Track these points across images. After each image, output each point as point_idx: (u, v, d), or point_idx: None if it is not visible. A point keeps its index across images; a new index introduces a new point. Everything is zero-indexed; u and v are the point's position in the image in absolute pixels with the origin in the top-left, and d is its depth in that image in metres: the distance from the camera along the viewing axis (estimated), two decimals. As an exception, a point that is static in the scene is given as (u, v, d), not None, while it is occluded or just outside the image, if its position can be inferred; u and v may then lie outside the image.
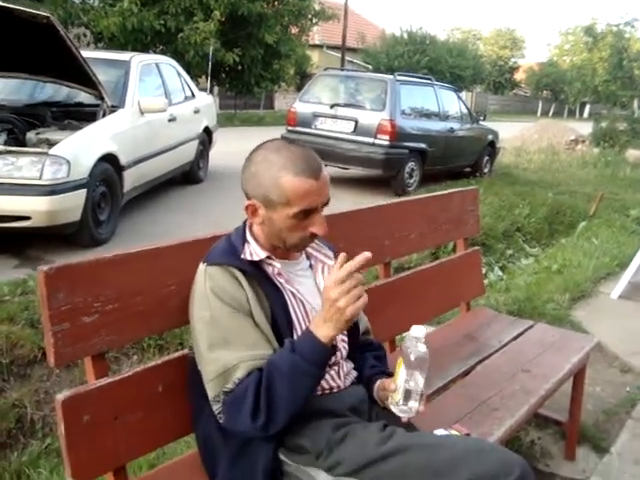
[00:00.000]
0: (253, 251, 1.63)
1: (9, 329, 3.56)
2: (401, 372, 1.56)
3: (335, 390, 1.69)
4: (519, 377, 2.45)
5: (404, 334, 3.02)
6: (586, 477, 2.76)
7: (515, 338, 2.86)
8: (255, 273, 1.61)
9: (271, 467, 1.58)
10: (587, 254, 6.34)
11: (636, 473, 2.78)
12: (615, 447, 2.98)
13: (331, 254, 1.79)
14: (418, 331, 1.54)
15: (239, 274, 1.59)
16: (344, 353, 1.76)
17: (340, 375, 1.72)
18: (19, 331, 3.58)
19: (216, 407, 1.53)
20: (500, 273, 6.05)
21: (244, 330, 1.54)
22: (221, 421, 1.54)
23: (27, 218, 4.66)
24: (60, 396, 1.54)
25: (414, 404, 1.56)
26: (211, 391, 1.54)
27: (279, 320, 1.60)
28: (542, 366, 2.55)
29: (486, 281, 5.33)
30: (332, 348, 1.50)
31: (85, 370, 1.68)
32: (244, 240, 1.66)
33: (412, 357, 1.53)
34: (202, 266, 1.63)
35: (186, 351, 1.78)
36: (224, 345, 1.52)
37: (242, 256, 1.62)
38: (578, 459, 2.89)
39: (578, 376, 2.78)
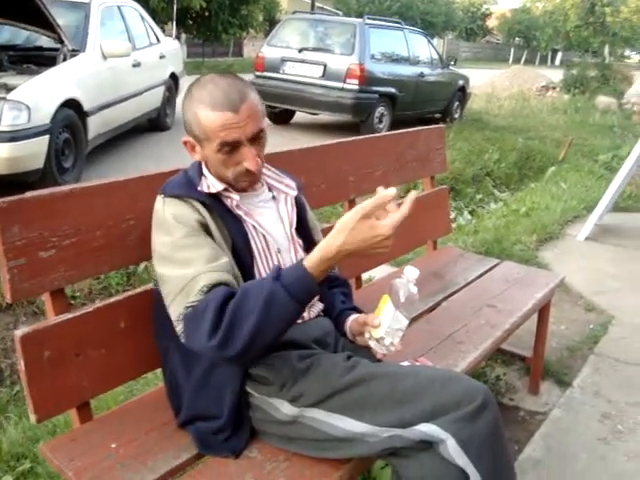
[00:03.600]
0: (210, 184, 1.61)
1: (-28, 277, 3.51)
2: (386, 309, 1.55)
3: (299, 321, 1.68)
4: (484, 312, 2.48)
5: (369, 272, 3.05)
6: (549, 409, 2.83)
7: (481, 275, 2.88)
8: (214, 205, 1.58)
9: (237, 399, 1.58)
10: (555, 198, 6.41)
11: (596, 404, 2.86)
12: (577, 381, 3.06)
13: (293, 185, 1.77)
14: (412, 272, 1.53)
15: (198, 205, 1.56)
16: None
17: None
18: (-17, 279, 3.52)
19: (179, 328, 1.49)
20: (469, 217, 6.09)
21: (204, 247, 1.50)
22: (182, 340, 1.49)
23: (-14, 166, 4.55)
24: (19, 332, 1.52)
25: (395, 341, 1.56)
26: (174, 313, 1.49)
27: (240, 251, 1.58)
28: (507, 301, 2.58)
29: (455, 224, 5.37)
30: (319, 286, 1.40)
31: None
32: (200, 174, 1.64)
33: (402, 297, 1.52)
34: (159, 197, 1.60)
35: (149, 287, 1.76)
36: (185, 264, 1.48)
37: (199, 188, 1.59)
38: (541, 393, 2.96)
39: (543, 312, 2.82)
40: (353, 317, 1.75)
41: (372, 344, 1.59)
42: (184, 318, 1.46)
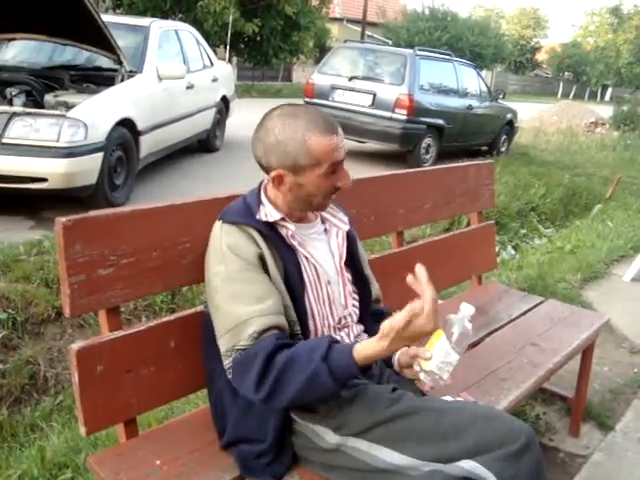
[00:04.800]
0: (268, 212, 1.65)
1: (24, 288, 3.61)
2: (439, 343, 1.55)
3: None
4: (527, 350, 2.46)
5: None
6: (589, 453, 2.77)
7: (525, 312, 2.87)
8: (270, 234, 1.63)
9: (281, 424, 1.60)
10: (601, 236, 6.32)
11: (639, 451, 2.80)
12: (620, 425, 3.00)
13: (346, 219, 1.81)
14: (468, 309, 1.55)
15: (255, 233, 1.61)
16: (355, 317, 1.78)
17: (350, 337, 1.74)
18: (34, 290, 3.63)
19: (226, 362, 1.54)
20: (513, 252, 6.05)
21: (257, 283, 1.56)
22: (229, 376, 1.55)
23: (44, 180, 4.70)
24: (74, 346, 1.57)
25: (444, 376, 1.56)
26: (223, 345, 1.55)
27: (292, 280, 1.62)
28: (551, 340, 2.56)
29: (499, 259, 5.32)
30: (362, 371, 1.48)
31: (99, 328, 1.71)
32: (259, 202, 1.68)
33: (457, 333, 1.53)
34: (218, 223, 1.65)
35: (199, 308, 1.80)
36: (236, 299, 1.54)
37: (257, 217, 1.63)
38: (582, 435, 2.91)
39: (586, 352, 2.79)
40: (402, 349, 1.76)
41: (422, 376, 1.59)
42: (233, 361, 1.53)
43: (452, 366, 1.56)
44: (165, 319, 1.78)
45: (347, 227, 1.79)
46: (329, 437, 1.57)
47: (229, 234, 1.61)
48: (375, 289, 1.93)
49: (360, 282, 1.83)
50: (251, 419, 1.62)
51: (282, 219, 1.66)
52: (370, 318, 1.86)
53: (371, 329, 1.84)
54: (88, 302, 1.59)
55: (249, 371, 1.48)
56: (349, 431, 1.54)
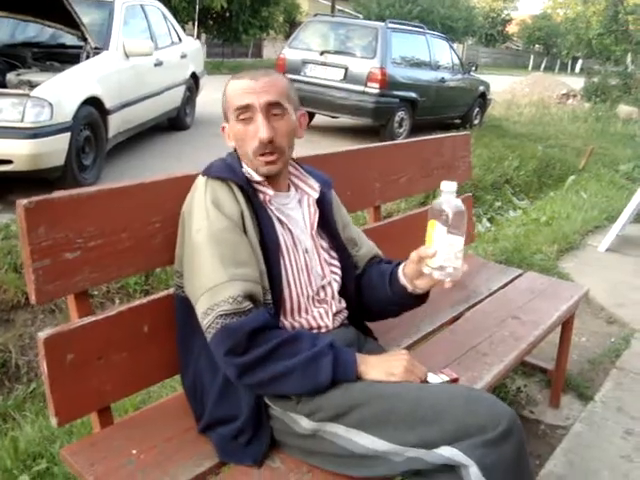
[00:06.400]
0: (250, 172, 1.64)
1: (-8, 274, 3.51)
2: (437, 234, 1.43)
3: (323, 330, 1.65)
4: (508, 323, 2.43)
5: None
6: (570, 424, 2.78)
7: (504, 286, 2.84)
8: (251, 193, 1.60)
9: (255, 402, 1.55)
10: (576, 207, 6.34)
11: (619, 420, 2.81)
12: (599, 395, 3.01)
13: (316, 186, 1.75)
14: (450, 185, 1.43)
15: (237, 190, 1.58)
16: (335, 287, 1.72)
17: (329, 315, 1.68)
18: (2, 275, 3.53)
19: (205, 321, 1.47)
20: (488, 224, 6.04)
21: (238, 246, 1.52)
22: (208, 337, 1.48)
23: (9, 162, 4.56)
24: (42, 334, 1.50)
25: (457, 264, 1.44)
26: (201, 305, 1.48)
27: (268, 243, 1.58)
28: (531, 313, 2.54)
29: (474, 232, 5.31)
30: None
31: (69, 313, 1.64)
32: (239, 163, 1.66)
33: (450, 213, 1.41)
34: (202, 178, 1.62)
35: (172, 290, 1.74)
36: (218, 260, 1.48)
37: (243, 170, 1.62)
38: (562, 406, 2.91)
39: (566, 324, 2.78)
40: (403, 265, 1.67)
41: (435, 275, 1.48)
42: (215, 326, 1.45)
43: (460, 251, 1.44)
44: (137, 302, 1.71)
45: (316, 195, 1.74)
46: (304, 423, 1.51)
47: (214, 189, 1.57)
48: (367, 248, 1.88)
49: (339, 248, 1.78)
50: (228, 399, 1.57)
51: (261, 183, 1.63)
52: (368, 265, 1.84)
53: (375, 270, 1.80)
54: (54, 288, 1.51)
55: (231, 338, 1.43)
56: (323, 416, 1.48)
